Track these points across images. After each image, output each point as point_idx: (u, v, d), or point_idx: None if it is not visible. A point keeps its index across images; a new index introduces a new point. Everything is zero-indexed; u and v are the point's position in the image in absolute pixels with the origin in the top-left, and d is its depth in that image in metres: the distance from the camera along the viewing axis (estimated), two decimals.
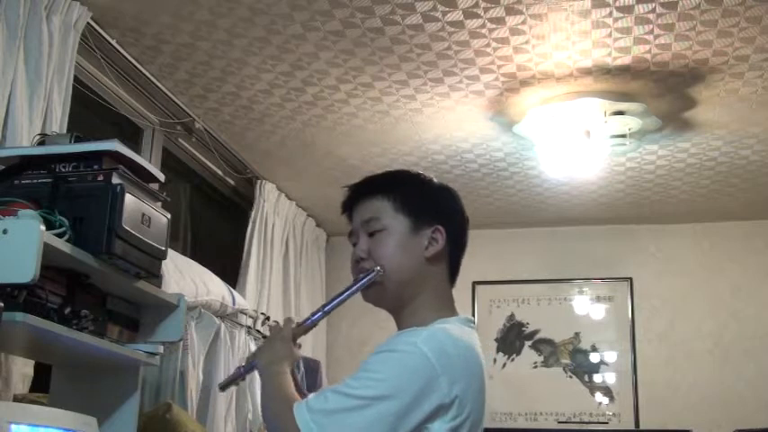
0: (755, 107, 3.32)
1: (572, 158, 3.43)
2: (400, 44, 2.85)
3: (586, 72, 3.04)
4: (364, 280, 1.48)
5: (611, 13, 2.65)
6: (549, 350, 4.91)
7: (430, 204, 1.54)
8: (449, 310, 1.51)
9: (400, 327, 1.50)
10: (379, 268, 1.47)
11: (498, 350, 4.93)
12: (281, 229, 4.31)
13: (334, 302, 1.51)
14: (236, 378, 1.55)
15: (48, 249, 1.57)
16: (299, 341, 1.52)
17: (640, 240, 4.91)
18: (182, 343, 2.75)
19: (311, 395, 1.35)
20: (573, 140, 3.33)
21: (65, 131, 2.42)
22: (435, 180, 1.60)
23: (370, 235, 1.51)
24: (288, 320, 1.54)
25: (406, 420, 1.27)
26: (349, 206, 1.57)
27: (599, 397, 4.80)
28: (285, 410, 1.31)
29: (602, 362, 4.84)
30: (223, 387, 1.61)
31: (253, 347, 3.37)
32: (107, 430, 1.99)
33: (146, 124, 3.29)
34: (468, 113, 3.43)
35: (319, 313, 1.51)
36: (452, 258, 1.55)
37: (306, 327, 1.51)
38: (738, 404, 4.55)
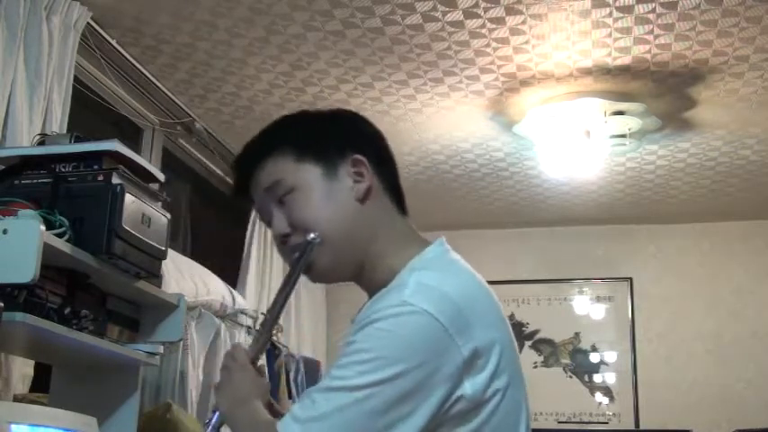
0: (755, 107, 3.32)
1: (572, 158, 3.43)
2: (400, 44, 2.85)
3: (586, 72, 3.04)
4: (303, 257, 1.17)
5: (611, 13, 2.65)
6: (549, 350, 4.91)
7: (334, 136, 1.23)
8: (415, 243, 1.21)
9: (370, 291, 1.20)
10: (313, 236, 1.16)
11: None
12: None
13: (278, 304, 1.22)
14: None
15: (48, 249, 1.57)
16: (261, 363, 1.24)
17: (640, 240, 4.91)
18: (182, 343, 2.75)
19: (294, 405, 1.07)
20: (573, 140, 3.33)
21: (65, 131, 2.42)
22: (325, 109, 1.31)
23: (281, 203, 1.20)
24: (237, 346, 1.23)
25: (424, 397, 1.01)
26: (243, 185, 1.26)
27: (599, 397, 4.80)
28: None
29: (602, 362, 4.84)
30: None
31: None
32: (107, 430, 1.99)
33: (146, 124, 3.29)
34: (468, 113, 3.43)
35: (268, 323, 1.24)
36: (389, 184, 1.24)
37: (259, 344, 1.23)
38: (738, 404, 4.55)
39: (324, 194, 1.18)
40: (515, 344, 1.17)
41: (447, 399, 1.03)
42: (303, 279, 1.23)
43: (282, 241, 1.21)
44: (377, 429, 1.00)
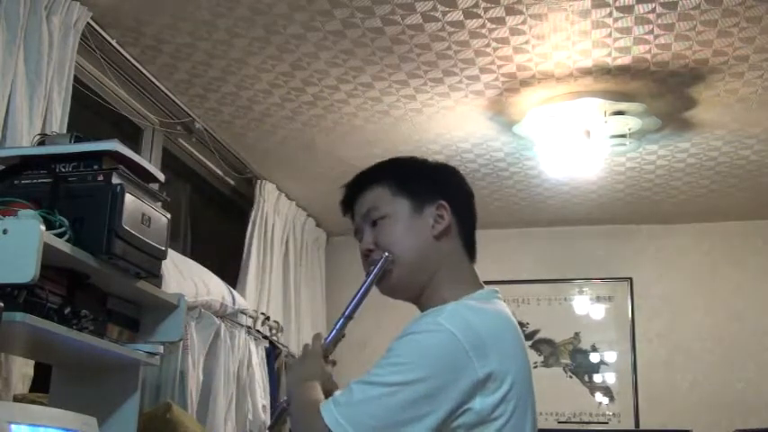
0: (755, 107, 3.32)
1: (572, 158, 3.43)
2: (400, 44, 2.85)
3: (586, 72, 3.04)
4: (376, 270, 1.44)
5: (611, 13, 2.65)
6: (549, 350, 4.91)
7: (428, 181, 1.51)
8: (471, 285, 1.46)
9: (423, 311, 1.44)
10: (387, 254, 1.43)
11: None
12: (281, 229, 4.31)
13: (353, 304, 1.46)
14: (282, 413, 1.51)
15: (48, 249, 1.57)
16: (332, 358, 1.47)
17: (640, 240, 4.91)
18: (182, 343, 2.75)
19: (337, 392, 1.32)
20: (573, 140, 3.33)
21: (65, 131, 2.42)
22: (431, 160, 1.58)
23: (373, 225, 1.48)
24: (316, 337, 1.49)
25: (439, 403, 1.22)
26: (349, 204, 1.54)
27: (599, 397, 4.80)
28: (313, 414, 1.27)
29: (602, 362, 4.84)
30: (272, 428, 1.55)
31: (253, 348, 3.37)
32: (107, 430, 1.99)
33: (146, 124, 3.29)
34: (468, 113, 3.43)
35: (341, 320, 1.46)
36: (464, 233, 1.52)
37: (333, 338, 1.46)
38: (738, 404, 4.54)
39: (407, 226, 1.46)
40: (531, 378, 1.39)
41: (458, 408, 1.24)
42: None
43: (366, 255, 1.48)
44: (396, 422, 1.22)
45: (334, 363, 1.48)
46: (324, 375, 1.42)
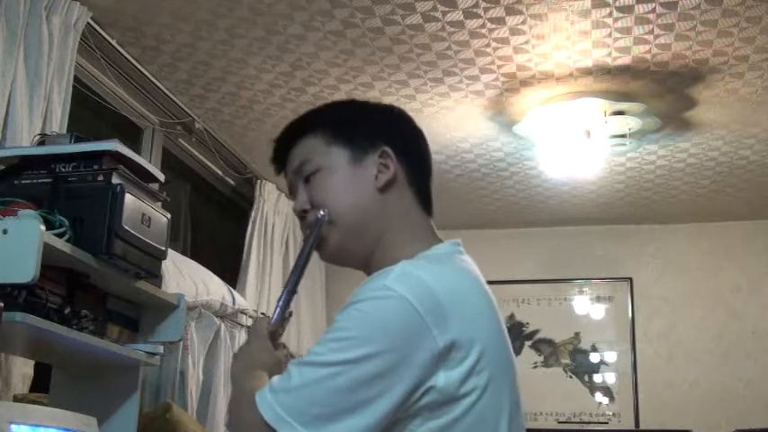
0: (755, 107, 3.32)
1: (572, 158, 3.43)
2: (400, 44, 2.85)
3: (586, 72, 3.04)
4: (314, 234, 1.22)
5: (611, 13, 2.65)
6: (549, 350, 4.91)
7: (367, 125, 1.28)
8: (427, 240, 1.24)
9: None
10: (322, 213, 1.21)
11: None
12: (281, 229, 4.31)
13: (294, 276, 1.25)
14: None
15: (48, 249, 1.57)
16: (282, 340, 1.28)
17: (640, 240, 4.91)
18: (182, 343, 2.75)
19: (274, 377, 1.10)
20: (573, 140, 3.33)
21: (65, 131, 2.42)
22: (373, 101, 1.36)
23: (307, 181, 1.25)
24: (261, 319, 1.28)
25: (393, 382, 1.02)
26: (281, 161, 1.31)
27: (599, 397, 4.80)
28: (248, 404, 1.06)
29: (602, 362, 4.84)
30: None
31: None
32: (107, 430, 1.99)
33: (146, 124, 3.30)
34: (468, 113, 3.43)
35: (284, 294, 1.25)
36: (416, 182, 1.28)
37: (279, 317, 1.25)
38: (738, 404, 4.55)
39: (346, 178, 1.23)
40: (507, 346, 1.20)
41: (417, 387, 1.04)
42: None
43: (301, 217, 1.26)
44: (343, 408, 1.01)
45: (284, 345, 1.28)
46: (273, 361, 1.21)
